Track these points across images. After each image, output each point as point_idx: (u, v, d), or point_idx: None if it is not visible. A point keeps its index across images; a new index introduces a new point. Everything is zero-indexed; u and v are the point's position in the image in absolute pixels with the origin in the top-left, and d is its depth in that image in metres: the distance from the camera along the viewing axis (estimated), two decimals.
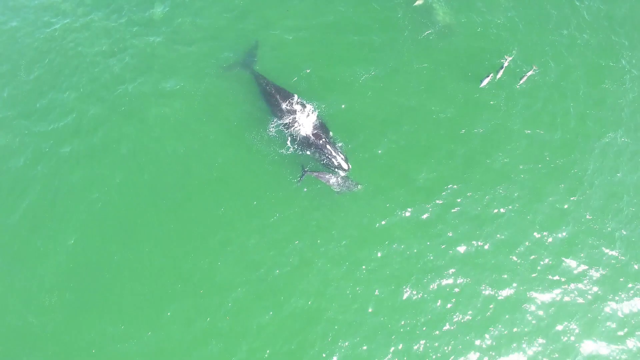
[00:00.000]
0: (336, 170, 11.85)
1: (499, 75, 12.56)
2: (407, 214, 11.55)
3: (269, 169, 12.11)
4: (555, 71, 13.02)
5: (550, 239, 11.40)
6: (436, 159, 12.11)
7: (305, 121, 12.12)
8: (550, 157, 12.14)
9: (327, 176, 11.80)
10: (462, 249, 11.31)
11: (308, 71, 13.00)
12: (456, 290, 11.03)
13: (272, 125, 12.41)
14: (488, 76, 12.42)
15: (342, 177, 11.81)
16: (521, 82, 12.49)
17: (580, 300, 10.92)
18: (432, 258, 11.24)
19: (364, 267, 11.23)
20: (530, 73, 12.44)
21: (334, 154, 11.81)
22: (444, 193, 11.74)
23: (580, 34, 13.47)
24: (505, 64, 12.42)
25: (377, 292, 11.01)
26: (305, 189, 11.86)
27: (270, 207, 11.76)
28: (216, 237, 11.67)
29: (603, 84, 12.91)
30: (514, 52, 12.84)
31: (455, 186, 11.80)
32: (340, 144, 12.15)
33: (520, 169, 11.99)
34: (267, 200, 11.84)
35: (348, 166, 11.80)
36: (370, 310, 10.90)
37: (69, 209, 12.21)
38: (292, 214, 11.67)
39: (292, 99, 12.35)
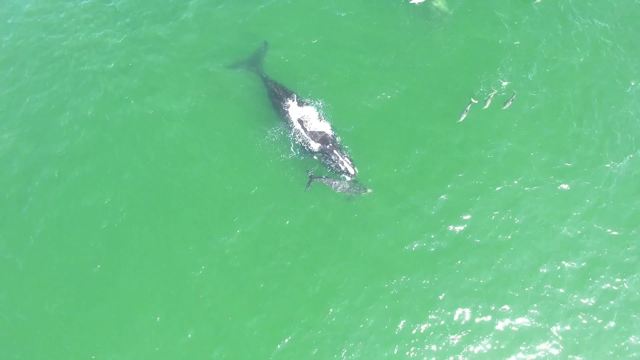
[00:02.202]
0: (343, 175, 11.73)
1: (486, 106, 12.61)
2: (415, 245, 11.35)
3: (274, 174, 11.98)
4: (564, 93, 12.86)
5: (563, 269, 11.17)
6: (444, 185, 11.91)
7: (313, 124, 12.08)
8: (562, 182, 11.87)
9: (334, 181, 11.64)
10: (472, 279, 11.10)
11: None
12: (469, 322, 10.80)
13: (279, 129, 12.36)
14: (465, 110, 12.43)
15: (350, 182, 11.67)
16: (506, 106, 12.52)
17: (596, 334, 10.68)
18: (442, 290, 11.04)
19: (372, 299, 11.01)
20: (513, 98, 12.50)
21: (341, 159, 11.72)
22: (452, 222, 11.55)
23: (586, 52, 13.34)
24: (492, 95, 12.50)
25: (386, 326, 10.77)
26: (312, 206, 11.64)
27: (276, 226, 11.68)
28: (219, 246, 11.53)
29: (612, 106, 12.71)
30: (502, 83, 12.94)
31: (465, 216, 11.62)
32: (346, 146, 12.09)
33: (532, 196, 11.75)
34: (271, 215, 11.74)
35: (355, 171, 11.71)
36: (380, 344, 10.64)
37: (76, 224, 12.07)
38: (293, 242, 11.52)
39: (301, 102, 12.38)
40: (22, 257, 11.74)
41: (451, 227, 11.46)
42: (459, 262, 11.17)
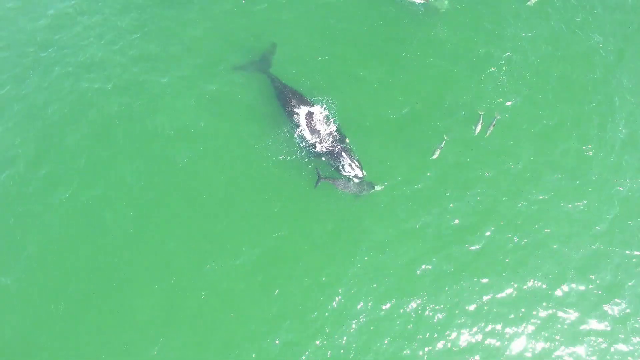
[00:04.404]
0: (351, 177, 11.87)
1: (477, 131, 12.39)
2: (423, 266, 11.25)
3: (279, 175, 12.12)
4: (571, 109, 12.68)
5: (576, 291, 11.05)
6: (451, 203, 11.81)
7: (321, 126, 12.26)
8: (572, 203, 11.74)
9: (342, 181, 11.78)
10: (484, 300, 11.00)
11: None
12: (481, 342, 10.75)
13: (287, 130, 12.48)
14: (439, 147, 12.00)
15: (358, 182, 11.79)
16: (488, 132, 12.36)
17: (610, 356, 10.62)
18: (454, 309, 10.94)
19: (383, 318, 10.92)
20: (494, 122, 12.27)
21: (349, 161, 11.83)
22: (461, 242, 11.50)
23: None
24: (481, 119, 12.30)
25: (399, 346, 10.68)
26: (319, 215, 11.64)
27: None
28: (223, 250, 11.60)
29: (621, 122, 12.52)
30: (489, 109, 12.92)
31: (474, 237, 11.55)
32: (352, 146, 12.20)
33: (543, 217, 11.61)
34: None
35: (363, 174, 11.84)
36: None
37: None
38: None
39: (309, 103, 12.55)
40: (26, 260, 11.73)
41: (460, 247, 11.42)
42: (470, 282, 11.11)
